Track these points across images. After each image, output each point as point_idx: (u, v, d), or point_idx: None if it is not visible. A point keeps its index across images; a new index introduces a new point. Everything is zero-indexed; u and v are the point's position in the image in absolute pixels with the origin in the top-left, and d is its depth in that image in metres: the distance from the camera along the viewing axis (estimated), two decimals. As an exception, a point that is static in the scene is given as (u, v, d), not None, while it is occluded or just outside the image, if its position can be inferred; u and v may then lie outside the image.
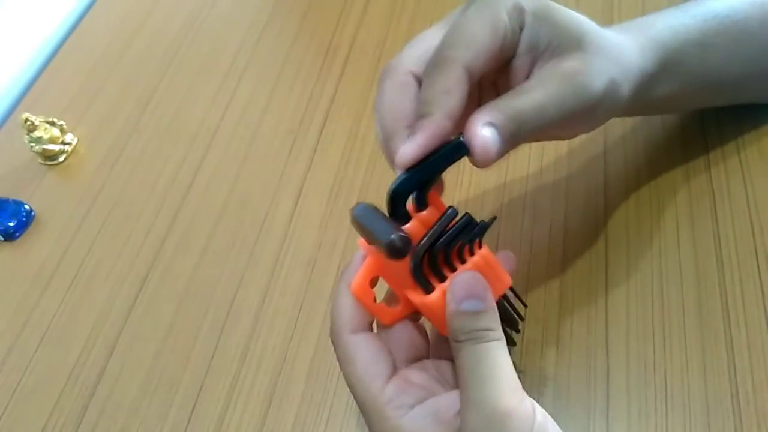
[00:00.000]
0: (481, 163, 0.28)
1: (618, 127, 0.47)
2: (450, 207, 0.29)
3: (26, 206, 0.53)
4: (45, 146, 0.55)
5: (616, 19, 0.54)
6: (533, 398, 0.28)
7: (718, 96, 0.42)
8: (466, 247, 0.30)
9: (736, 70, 0.40)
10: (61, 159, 0.56)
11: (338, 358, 0.31)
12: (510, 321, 0.33)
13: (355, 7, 0.62)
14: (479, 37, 0.29)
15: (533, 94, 0.29)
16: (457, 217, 0.29)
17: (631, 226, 0.43)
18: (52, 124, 0.57)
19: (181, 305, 0.46)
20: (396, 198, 0.29)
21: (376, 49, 0.58)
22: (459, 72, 0.28)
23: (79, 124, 0.59)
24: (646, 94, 0.35)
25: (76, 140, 0.57)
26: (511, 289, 0.32)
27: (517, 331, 0.33)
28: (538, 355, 0.39)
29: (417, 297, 0.30)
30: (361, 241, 0.30)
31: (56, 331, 0.46)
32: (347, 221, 0.48)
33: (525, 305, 0.34)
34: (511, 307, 0.33)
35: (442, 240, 0.29)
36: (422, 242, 0.28)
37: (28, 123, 0.54)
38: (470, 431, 0.26)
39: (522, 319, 0.34)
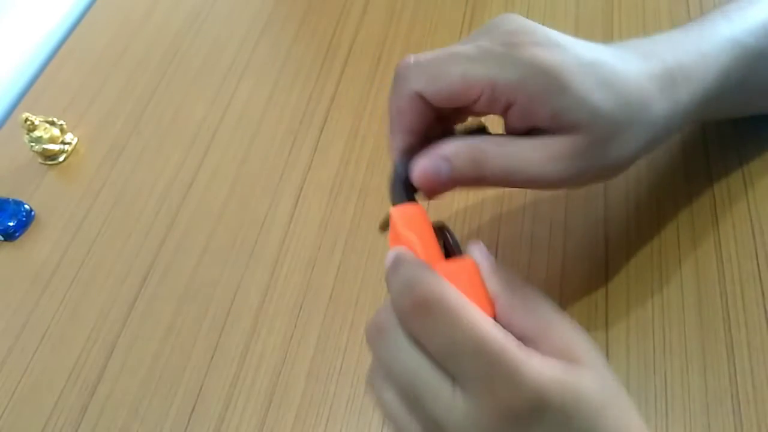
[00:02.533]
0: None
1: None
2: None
3: (26, 206, 0.53)
4: (45, 146, 0.55)
5: (616, 19, 0.54)
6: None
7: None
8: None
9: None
10: (61, 159, 0.56)
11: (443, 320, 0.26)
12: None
13: (355, 7, 0.62)
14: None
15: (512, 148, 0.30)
16: None
17: (631, 226, 0.43)
18: (52, 123, 0.57)
19: (181, 305, 0.46)
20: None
21: (376, 49, 0.58)
22: (413, 97, 0.30)
23: (79, 124, 0.59)
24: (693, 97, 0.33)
25: (76, 140, 0.57)
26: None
27: None
28: (538, 355, 0.39)
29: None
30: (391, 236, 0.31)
31: (56, 331, 0.46)
32: (347, 221, 0.48)
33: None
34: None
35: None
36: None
37: (28, 123, 0.54)
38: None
39: None
